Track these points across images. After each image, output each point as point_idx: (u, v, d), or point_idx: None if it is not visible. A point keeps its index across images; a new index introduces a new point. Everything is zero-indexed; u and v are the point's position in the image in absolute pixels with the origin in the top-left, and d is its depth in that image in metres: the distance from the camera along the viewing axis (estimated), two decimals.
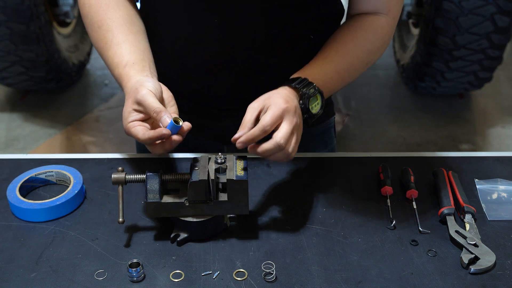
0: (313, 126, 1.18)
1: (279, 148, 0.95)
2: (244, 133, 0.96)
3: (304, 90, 1.04)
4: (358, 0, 1.15)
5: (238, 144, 0.96)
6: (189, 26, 1.15)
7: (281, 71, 1.14)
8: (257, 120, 0.98)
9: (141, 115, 0.98)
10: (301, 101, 1.03)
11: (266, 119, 0.96)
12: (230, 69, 1.18)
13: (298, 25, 1.16)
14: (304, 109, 1.04)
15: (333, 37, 1.15)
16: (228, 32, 1.13)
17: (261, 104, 0.99)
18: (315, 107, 1.06)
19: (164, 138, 0.95)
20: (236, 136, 0.96)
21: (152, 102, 0.96)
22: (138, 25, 1.13)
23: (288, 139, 0.96)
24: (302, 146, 1.23)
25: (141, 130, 0.96)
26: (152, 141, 0.96)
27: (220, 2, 1.10)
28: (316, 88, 1.05)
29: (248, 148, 0.97)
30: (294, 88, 1.04)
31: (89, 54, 3.90)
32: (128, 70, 1.05)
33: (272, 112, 0.96)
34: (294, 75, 1.08)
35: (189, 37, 1.16)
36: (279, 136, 0.95)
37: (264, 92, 1.09)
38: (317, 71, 1.09)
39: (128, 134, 0.98)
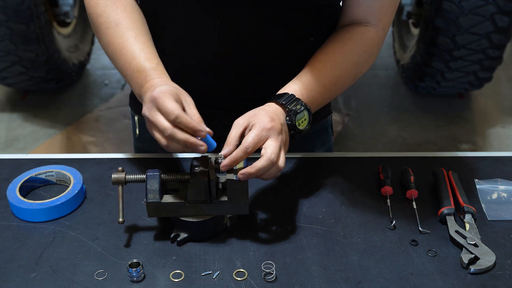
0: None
1: (272, 163, 0.95)
2: (229, 150, 0.96)
3: (290, 107, 1.03)
4: (349, 7, 1.15)
5: (222, 168, 0.96)
6: (190, 26, 1.15)
7: (281, 72, 1.14)
8: (242, 136, 0.99)
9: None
10: (287, 118, 1.03)
11: (248, 140, 0.96)
12: (230, 70, 1.18)
13: (298, 27, 1.16)
14: (291, 126, 1.03)
15: (321, 49, 1.14)
16: (228, 33, 1.13)
17: (246, 121, 0.99)
18: (302, 123, 1.05)
19: (191, 147, 0.94)
20: (223, 153, 0.96)
21: (195, 110, 0.97)
22: (149, 31, 1.14)
23: (278, 154, 0.96)
24: (299, 144, 1.23)
25: (178, 107, 0.93)
26: (183, 143, 0.93)
27: (220, 3, 1.10)
28: (303, 105, 1.05)
29: (238, 175, 0.97)
30: (281, 105, 1.04)
31: (89, 54, 3.90)
32: (159, 67, 1.04)
33: (255, 133, 0.96)
34: (282, 90, 1.08)
35: (189, 37, 1.16)
36: (269, 152, 0.95)
37: (263, 93, 1.09)
38: (304, 86, 1.08)
39: (156, 100, 0.94)
